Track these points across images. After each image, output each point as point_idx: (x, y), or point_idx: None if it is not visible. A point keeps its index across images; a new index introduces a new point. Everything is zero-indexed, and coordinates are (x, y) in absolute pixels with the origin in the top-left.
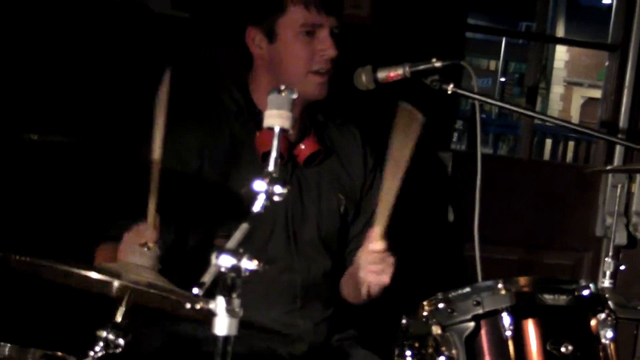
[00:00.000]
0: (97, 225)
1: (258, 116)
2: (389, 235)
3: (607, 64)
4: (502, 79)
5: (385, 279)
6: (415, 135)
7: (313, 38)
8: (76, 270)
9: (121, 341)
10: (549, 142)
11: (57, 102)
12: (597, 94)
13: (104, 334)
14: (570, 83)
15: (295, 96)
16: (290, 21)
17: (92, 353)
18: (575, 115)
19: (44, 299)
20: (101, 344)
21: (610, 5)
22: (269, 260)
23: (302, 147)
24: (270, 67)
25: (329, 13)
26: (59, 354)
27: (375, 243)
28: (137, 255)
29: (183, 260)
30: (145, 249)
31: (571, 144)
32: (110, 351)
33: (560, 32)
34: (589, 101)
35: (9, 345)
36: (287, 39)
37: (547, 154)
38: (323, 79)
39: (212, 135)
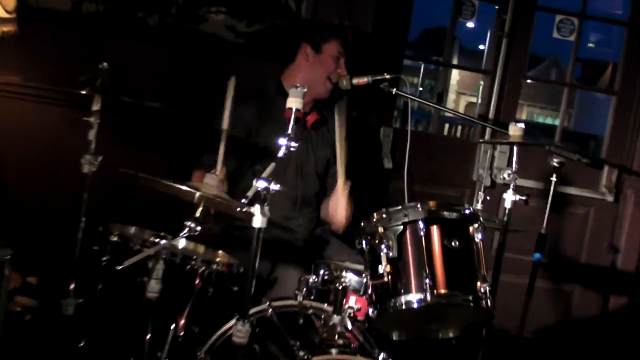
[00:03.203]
0: (192, 158)
1: (286, 97)
2: (356, 177)
3: (481, 82)
4: (421, 89)
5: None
6: (345, 121)
7: (337, 61)
8: (176, 185)
9: (198, 228)
10: (447, 125)
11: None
12: (474, 99)
13: (188, 223)
14: (459, 93)
15: (305, 90)
16: (331, 47)
17: (181, 234)
18: (461, 111)
19: (157, 204)
20: (187, 229)
21: (484, 50)
22: (283, 182)
23: (310, 117)
24: (309, 68)
25: (346, 51)
26: (162, 233)
27: (341, 187)
28: (209, 179)
29: (238, 180)
30: (214, 175)
31: (460, 127)
32: (192, 234)
33: (455, 62)
34: (469, 104)
35: (133, 227)
36: (327, 55)
37: (446, 132)
38: (332, 86)
39: (261, 107)
